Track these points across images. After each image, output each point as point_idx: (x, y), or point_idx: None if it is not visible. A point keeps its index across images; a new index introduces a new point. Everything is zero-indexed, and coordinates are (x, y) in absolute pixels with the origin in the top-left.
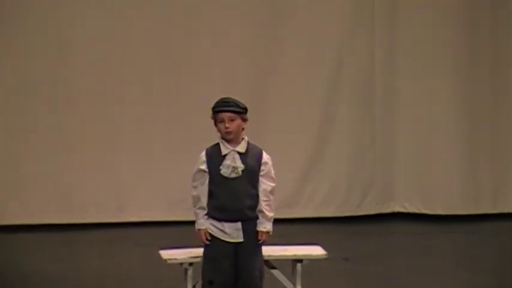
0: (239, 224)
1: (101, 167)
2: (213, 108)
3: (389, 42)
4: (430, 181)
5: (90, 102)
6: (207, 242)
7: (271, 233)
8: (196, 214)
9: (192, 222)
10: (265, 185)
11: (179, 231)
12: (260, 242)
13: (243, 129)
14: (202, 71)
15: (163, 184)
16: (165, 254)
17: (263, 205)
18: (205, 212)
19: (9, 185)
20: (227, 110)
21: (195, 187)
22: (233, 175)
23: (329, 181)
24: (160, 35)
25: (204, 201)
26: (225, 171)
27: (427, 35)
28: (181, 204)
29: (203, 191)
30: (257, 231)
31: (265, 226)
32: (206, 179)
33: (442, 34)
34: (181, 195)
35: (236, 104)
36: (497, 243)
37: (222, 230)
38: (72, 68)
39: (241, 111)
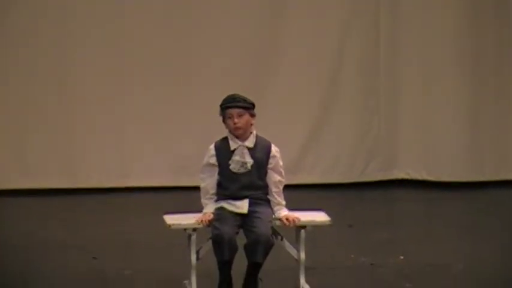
0: (246, 200)
1: (106, 132)
2: (221, 105)
3: (394, 11)
4: (434, 148)
5: (95, 68)
6: (206, 223)
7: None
8: (204, 204)
9: (197, 188)
10: (273, 177)
11: (183, 196)
12: (290, 225)
13: (251, 124)
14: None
15: (168, 149)
16: (169, 219)
17: (274, 195)
18: (214, 199)
19: (12, 149)
20: (235, 105)
21: (203, 179)
22: (242, 170)
23: (333, 148)
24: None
25: (212, 192)
26: (234, 166)
27: (432, 3)
28: (186, 170)
29: (211, 183)
30: (278, 219)
31: (283, 211)
32: (215, 172)
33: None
34: (186, 161)
35: (244, 99)
36: (500, 210)
37: (229, 203)
38: (77, 35)
39: (249, 107)
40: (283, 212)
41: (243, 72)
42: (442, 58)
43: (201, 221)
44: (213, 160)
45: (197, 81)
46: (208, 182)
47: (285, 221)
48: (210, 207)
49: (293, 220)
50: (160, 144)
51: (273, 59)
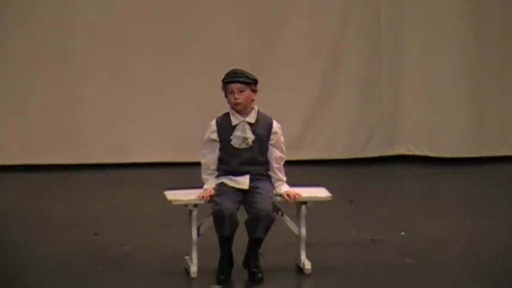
0: (247, 175)
1: (107, 108)
2: (223, 79)
3: None
4: (435, 124)
5: (98, 46)
6: (207, 198)
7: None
8: (205, 179)
9: (197, 164)
10: (274, 153)
11: (184, 172)
12: (291, 200)
13: (252, 100)
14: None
15: (169, 125)
16: (170, 195)
17: (275, 171)
18: (215, 175)
19: (13, 124)
20: (236, 80)
21: (204, 155)
22: (243, 146)
23: (334, 123)
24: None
25: (213, 168)
26: (235, 141)
27: None
28: (187, 146)
29: (212, 159)
30: (279, 195)
31: (284, 187)
32: (216, 147)
33: None
34: (187, 136)
35: (245, 75)
36: (502, 185)
37: (229, 178)
38: (80, 17)
39: (250, 82)
40: (284, 188)
41: (243, 45)
42: (444, 35)
43: (202, 196)
44: (214, 136)
45: (198, 62)
46: (209, 157)
47: (285, 196)
48: (210, 183)
49: (294, 196)
50: (161, 120)
51: (275, 36)
